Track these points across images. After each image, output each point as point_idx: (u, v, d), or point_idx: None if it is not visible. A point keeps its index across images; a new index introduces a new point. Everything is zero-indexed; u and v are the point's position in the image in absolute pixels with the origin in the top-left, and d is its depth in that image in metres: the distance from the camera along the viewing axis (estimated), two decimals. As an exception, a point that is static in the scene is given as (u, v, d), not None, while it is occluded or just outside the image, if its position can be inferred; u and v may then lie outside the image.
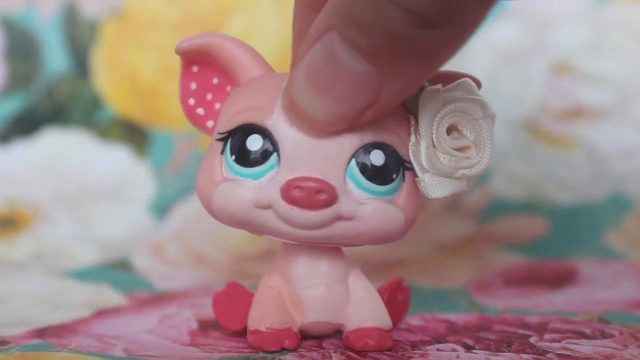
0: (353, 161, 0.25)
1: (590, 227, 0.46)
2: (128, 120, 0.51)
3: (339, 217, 0.25)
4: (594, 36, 0.50)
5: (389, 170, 0.26)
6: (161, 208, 0.48)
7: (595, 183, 0.48)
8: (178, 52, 0.27)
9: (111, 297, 0.36)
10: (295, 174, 0.25)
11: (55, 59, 0.52)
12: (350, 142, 0.25)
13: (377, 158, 0.25)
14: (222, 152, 0.26)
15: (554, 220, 0.46)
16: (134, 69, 0.52)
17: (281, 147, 0.25)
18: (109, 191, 0.49)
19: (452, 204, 0.47)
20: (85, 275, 0.40)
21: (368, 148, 0.25)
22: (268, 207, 0.25)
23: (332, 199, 0.25)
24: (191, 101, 0.28)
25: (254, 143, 0.25)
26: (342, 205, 0.25)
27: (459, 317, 0.31)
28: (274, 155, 0.25)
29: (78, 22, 0.52)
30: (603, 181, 0.48)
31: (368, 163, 0.25)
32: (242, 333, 0.28)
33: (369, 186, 0.25)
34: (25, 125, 0.51)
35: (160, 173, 0.50)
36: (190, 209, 0.48)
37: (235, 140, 0.26)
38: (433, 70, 0.23)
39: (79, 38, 0.52)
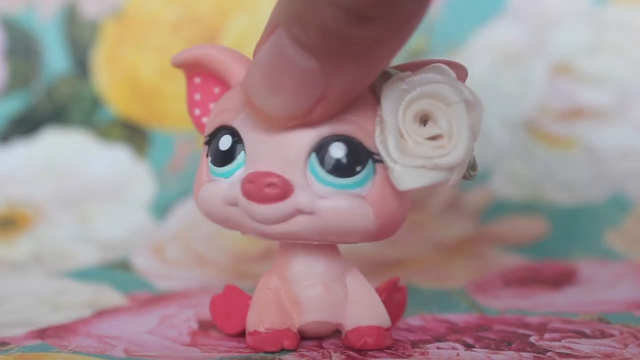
0: (313, 154, 0.25)
1: (590, 227, 0.46)
2: (128, 121, 0.51)
3: (298, 212, 0.25)
4: (594, 36, 0.50)
5: (352, 162, 0.25)
6: (161, 208, 0.48)
7: (596, 183, 0.48)
8: (174, 65, 0.29)
9: (111, 297, 0.36)
10: (255, 169, 0.25)
11: (55, 59, 0.52)
12: (309, 136, 0.25)
13: (336, 151, 0.25)
14: (207, 155, 0.27)
15: (554, 220, 0.46)
16: (134, 69, 0.52)
17: (246, 144, 0.26)
18: (109, 191, 0.49)
19: (452, 204, 0.47)
20: (85, 275, 0.40)
21: (327, 140, 0.25)
22: (234, 203, 0.26)
23: (284, 192, 0.25)
24: (197, 111, 0.29)
25: (224, 143, 0.26)
26: (299, 199, 0.25)
27: (459, 318, 0.31)
28: (242, 153, 0.26)
29: (78, 22, 0.52)
30: (603, 181, 0.48)
31: (327, 156, 0.25)
32: (241, 335, 0.28)
33: (330, 180, 0.25)
34: (25, 125, 0.51)
35: (160, 173, 0.50)
36: (190, 209, 0.48)
37: (212, 142, 0.27)
38: (376, 66, 0.24)
39: (79, 38, 0.52)
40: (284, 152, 0.25)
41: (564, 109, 0.49)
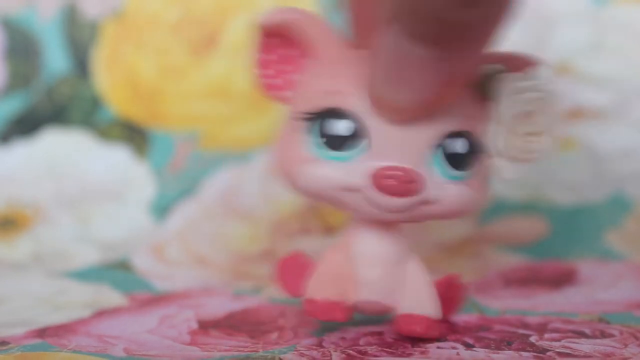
0: (438, 148, 0.26)
1: (590, 227, 0.45)
2: (128, 121, 0.51)
3: (424, 202, 0.26)
4: (594, 37, 0.50)
5: (469, 157, 0.27)
6: (161, 208, 0.48)
7: (596, 184, 0.48)
8: (261, 25, 0.28)
9: (111, 297, 0.36)
10: (385, 161, 0.26)
11: (55, 59, 0.52)
12: (435, 130, 0.26)
13: (461, 146, 0.27)
14: (306, 131, 0.27)
15: (554, 220, 0.46)
16: (134, 69, 0.52)
17: (369, 132, 0.26)
18: (109, 191, 0.49)
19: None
20: (85, 275, 0.40)
21: (452, 136, 0.26)
22: (356, 190, 0.26)
23: (421, 187, 0.26)
24: (269, 72, 0.28)
25: (342, 127, 0.26)
26: (427, 192, 0.26)
27: (459, 318, 0.31)
28: (363, 140, 0.26)
29: (78, 22, 0.52)
30: (603, 182, 0.48)
31: (452, 151, 0.27)
32: (244, 331, 0.28)
33: (451, 172, 0.27)
34: (25, 125, 0.51)
35: (160, 173, 0.50)
36: (190, 210, 0.48)
37: (322, 122, 0.27)
38: (485, 42, 0.25)
39: (79, 38, 0.52)
40: (411, 145, 0.26)
41: (564, 110, 0.49)
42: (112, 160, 0.50)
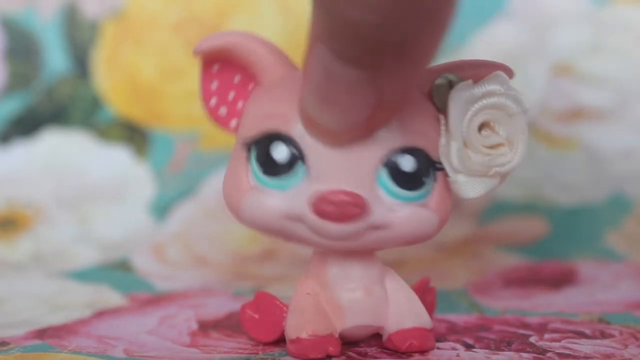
0: (382, 168, 0.25)
1: (590, 227, 0.45)
2: (128, 121, 0.51)
3: (371, 228, 0.25)
4: (594, 37, 0.50)
5: (420, 175, 0.25)
6: (161, 209, 0.48)
7: (596, 184, 0.48)
8: (198, 53, 0.27)
9: (111, 297, 0.36)
10: (325, 185, 0.24)
11: (55, 59, 0.52)
12: (378, 149, 0.25)
13: (407, 163, 0.25)
14: (248, 159, 0.25)
15: (554, 221, 0.46)
16: (134, 69, 0.52)
17: (307, 157, 0.25)
18: (109, 192, 0.49)
19: (452, 204, 0.47)
20: (85, 275, 0.40)
21: (397, 153, 0.25)
22: (298, 219, 0.25)
23: (363, 212, 0.24)
24: (213, 101, 0.27)
25: (280, 153, 0.25)
26: (374, 216, 0.25)
27: (459, 318, 0.31)
28: (301, 165, 0.25)
29: (78, 22, 0.52)
30: (603, 182, 0.48)
31: (398, 169, 0.25)
32: (244, 332, 0.28)
33: (400, 193, 0.25)
34: (25, 125, 0.51)
35: (160, 174, 0.50)
36: (190, 210, 0.48)
37: (261, 148, 0.25)
38: (422, 62, 0.23)
39: (79, 38, 0.52)
40: (353, 166, 0.24)
41: (564, 110, 0.49)
42: (112, 160, 0.50)
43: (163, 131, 0.51)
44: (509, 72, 0.26)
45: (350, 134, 0.24)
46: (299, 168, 0.25)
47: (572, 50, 0.50)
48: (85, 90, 0.52)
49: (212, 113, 0.27)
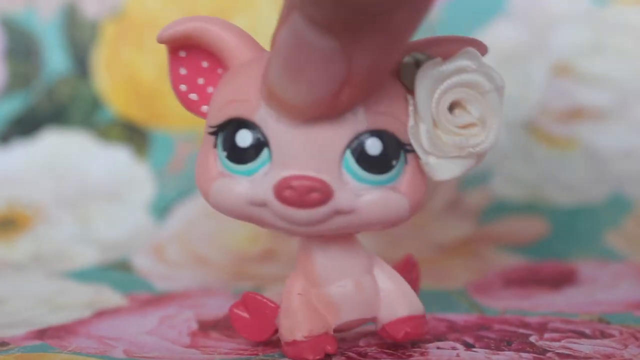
0: (348, 152, 0.24)
1: (590, 228, 0.45)
2: (128, 121, 0.51)
3: (337, 212, 0.24)
4: (594, 37, 0.50)
5: (387, 158, 0.25)
6: (161, 209, 0.48)
7: (596, 184, 0.48)
8: (161, 41, 0.26)
9: (111, 297, 0.36)
10: (288, 171, 0.24)
11: (55, 59, 0.52)
12: (344, 132, 0.24)
13: (373, 147, 0.24)
14: (215, 146, 0.25)
15: (554, 221, 0.46)
16: (134, 69, 0.52)
17: (271, 142, 0.24)
18: (109, 192, 0.49)
19: (452, 204, 0.47)
20: (85, 276, 0.40)
21: (363, 136, 0.24)
22: (262, 204, 0.24)
23: (326, 197, 0.24)
24: (183, 87, 0.27)
25: (244, 139, 0.25)
26: (339, 201, 0.24)
27: (459, 317, 0.31)
28: (265, 150, 0.24)
29: (78, 22, 0.52)
30: (603, 182, 0.48)
31: (364, 153, 0.24)
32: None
33: (367, 177, 0.24)
34: (25, 125, 0.51)
35: (160, 174, 0.50)
36: (190, 210, 0.48)
37: (225, 135, 0.25)
38: (396, 40, 0.23)
39: (79, 38, 0.52)
40: (317, 150, 0.24)
41: (564, 110, 0.49)
42: (112, 161, 0.50)
43: (163, 131, 0.51)
44: (482, 48, 0.25)
45: (314, 110, 0.24)
46: (264, 153, 0.24)
47: (572, 50, 0.50)
48: (85, 90, 0.52)
49: (183, 99, 0.27)
